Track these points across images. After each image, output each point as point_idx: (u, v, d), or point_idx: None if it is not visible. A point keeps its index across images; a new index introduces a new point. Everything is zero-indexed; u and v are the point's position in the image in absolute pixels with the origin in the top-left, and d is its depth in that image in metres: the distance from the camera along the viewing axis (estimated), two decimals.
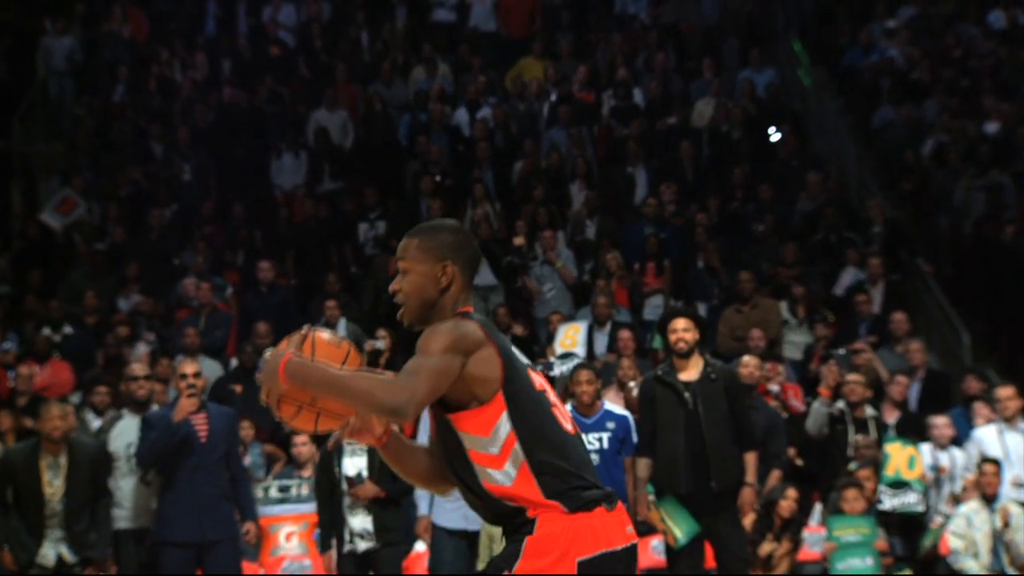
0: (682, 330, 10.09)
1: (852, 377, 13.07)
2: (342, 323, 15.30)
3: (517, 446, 4.49)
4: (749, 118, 19.21)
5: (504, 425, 4.50)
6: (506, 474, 4.50)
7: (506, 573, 4.44)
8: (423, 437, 9.79)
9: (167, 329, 16.24)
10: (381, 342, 14.81)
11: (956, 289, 16.82)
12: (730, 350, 14.82)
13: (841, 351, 14.51)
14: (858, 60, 20.72)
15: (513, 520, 4.52)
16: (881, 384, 13.78)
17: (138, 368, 12.47)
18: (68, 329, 16.17)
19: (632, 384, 12.19)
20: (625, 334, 14.13)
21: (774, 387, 13.55)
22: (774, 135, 19.00)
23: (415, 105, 20.19)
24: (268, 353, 4.61)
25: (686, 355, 10.09)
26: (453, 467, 4.59)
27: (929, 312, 16.62)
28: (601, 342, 14.94)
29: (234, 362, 15.29)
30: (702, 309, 15.73)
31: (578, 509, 4.48)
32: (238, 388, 14.38)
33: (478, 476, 4.52)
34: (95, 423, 12.99)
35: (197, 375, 10.92)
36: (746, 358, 12.63)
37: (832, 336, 15.30)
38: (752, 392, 12.33)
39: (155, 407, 12.11)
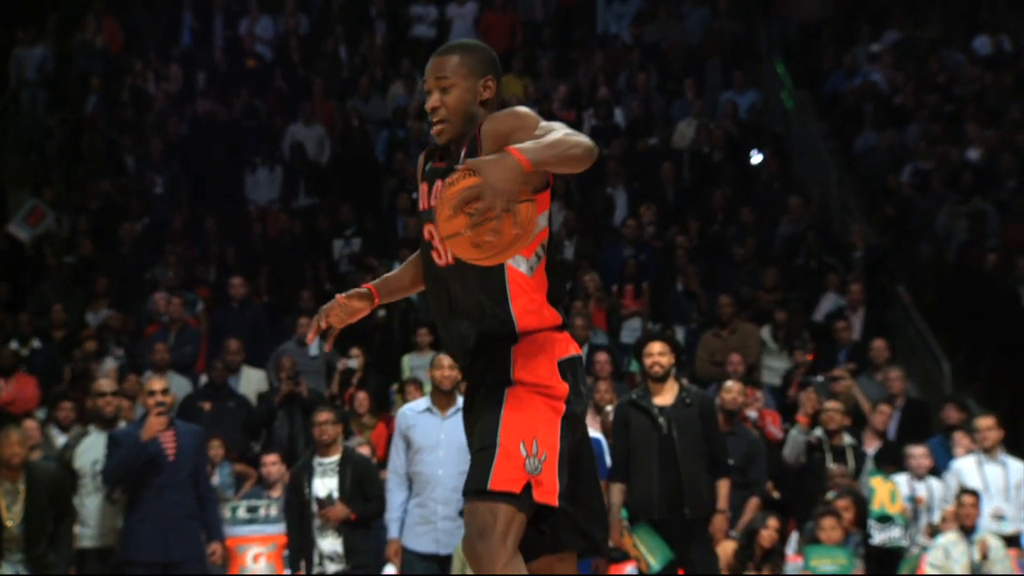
0: (657, 354, 10.00)
1: (830, 405, 12.90)
2: (315, 340, 15.10)
3: (544, 243, 4.82)
4: (731, 140, 19.10)
5: (541, 220, 4.76)
6: (529, 265, 4.80)
7: (508, 391, 4.76)
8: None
9: (136, 344, 16.02)
10: (354, 361, 14.66)
11: (937, 317, 16.71)
12: (709, 375, 14.70)
13: (820, 378, 14.35)
14: (841, 84, 20.65)
15: (501, 328, 4.79)
16: (860, 412, 13.65)
17: (105, 384, 12.25)
18: (36, 343, 15.95)
19: (609, 408, 12.02)
20: (602, 357, 13.95)
21: (752, 413, 13.39)
22: (755, 157, 18.87)
23: (393, 121, 20.03)
24: (476, 165, 4.45)
25: (661, 379, 10.01)
26: (480, 269, 4.70)
27: (909, 340, 16.52)
28: None
29: (204, 379, 15.09)
30: (681, 333, 15.61)
31: (560, 328, 4.89)
32: (207, 405, 14.19)
33: (503, 264, 4.73)
34: (60, 439, 12.77)
35: (165, 392, 10.76)
36: (729, 383, 12.47)
37: (811, 362, 15.15)
38: (735, 418, 12.20)
39: (122, 424, 11.91)
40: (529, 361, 4.80)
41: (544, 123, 4.71)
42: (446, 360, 10.16)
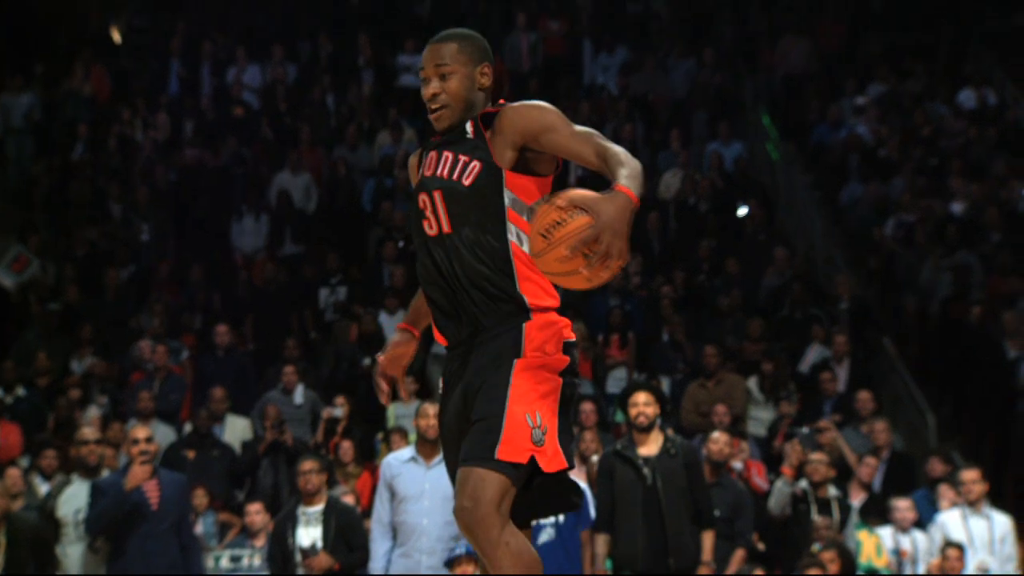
0: (643, 404, 10.02)
1: (816, 456, 12.88)
2: (300, 389, 15.09)
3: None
4: (716, 191, 19.15)
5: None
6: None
7: (516, 362, 4.79)
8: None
9: (120, 392, 15.97)
10: (339, 409, 14.62)
11: (922, 369, 16.72)
12: (694, 425, 14.69)
13: (805, 429, 14.34)
14: (827, 136, 20.72)
15: (507, 306, 4.86)
16: (845, 464, 13.64)
17: (89, 432, 12.25)
18: (20, 391, 15.89)
19: (594, 458, 12.01)
20: (587, 407, 13.92)
21: (737, 464, 13.36)
22: (741, 210, 18.91)
23: (380, 170, 20.04)
24: (595, 203, 4.53)
25: (646, 430, 10.02)
26: (479, 235, 4.85)
27: (895, 392, 16.51)
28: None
29: (188, 427, 15.04)
30: (666, 383, 15.61)
31: (560, 311, 4.97)
32: (191, 454, 14.14)
33: (507, 237, 4.86)
34: (43, 488, 12.72)
35: (149, 440, 10.75)
36: (716, 434, 12.45)
37: (796, 414, 15.14)
38: (721, 469, 12.18)
39: (106, 472, 11.88)
40: (539, 336, 4.85)
41: (572, 124, 4.87)
42: (431, 409, 10.15)
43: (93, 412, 15.09)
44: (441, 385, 5.10)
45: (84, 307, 17.76)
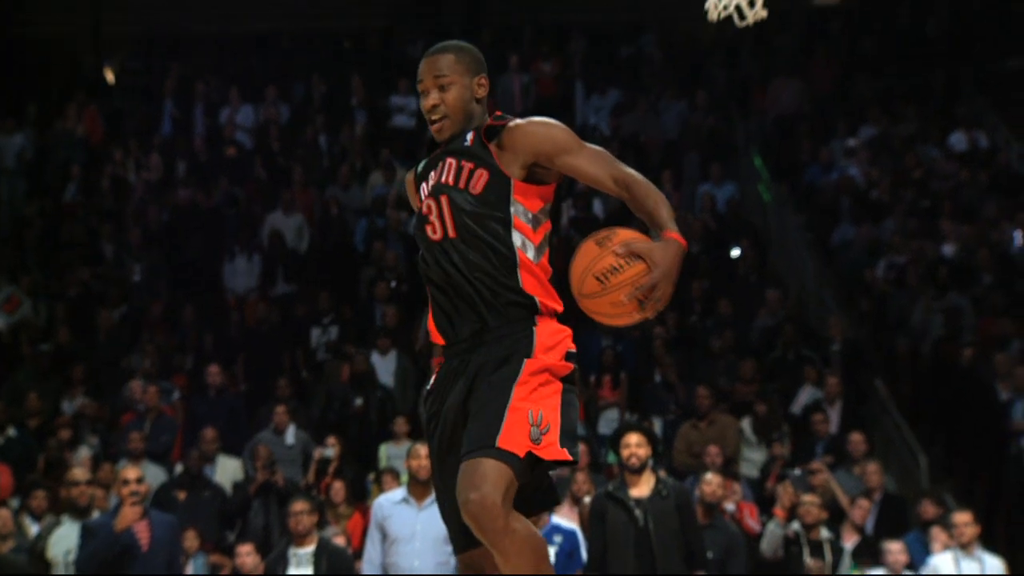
0: (635, 445, 10.01)
1: (808, 498, 12.86)
2: (291, 429, 15.05)
3: (548, 235, 5.02)
4: (709, 232, 19.15)
5: (545, 213, 5.02)
6: (538, 251, 4.97)
7: (526, 361, 4.84)
8: None
9: (111, 433, 15.93)
10: (330, 450, 14.58)
11: (914, 411, 16.71)
12: (686, 466, 14.66)
13: (797, 471, 14.31)
14: (818, 178, 20.76)
15: (516, 309, 4.93)
16: (838, 506, 13.61)
17: (79, 473, 12.22)
18: (11, 431, 15.84)
19: (586, 499, 11.98)
20: (579, 447, 13.89)
21: (730, 506, 13.34)
22: (734, 251, 18.92)
23: (372, 210, 20.04)
24: (646, 250, 4.77)
25: (638, 471, 10.00)
26: (485, 241, 4.93)
27: (887, 434, 16.49)
28: None
29: (179, 468, 15.00)
30: (658, 424, 15.58)
31: (563, 319, 5.06)
32: (182, 495, 14.08)
33: (514, 244, 4.93)
34: (33, 528, 12.67)
35: (140, 481, 10.70)
36: (709, 475, 12.43)
37: (788, 455, 15.12)
38: (714, 511, 12.15)
39: (96, 513, 11.84)
40: (548, 339, 4.93)
41: (583, 144, 5.03)
42: (423, 450, 10.13)
43: (84, 453, 15.05)
44: (432, 380, 5.12)
45: (75, 348, 17.74)
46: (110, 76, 25.19)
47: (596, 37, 25.26)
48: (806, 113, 22.64)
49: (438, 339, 5.11)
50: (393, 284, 18.03)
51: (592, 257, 4.83)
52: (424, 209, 5.08)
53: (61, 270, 19.41)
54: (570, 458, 4.86)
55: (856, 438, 14.85)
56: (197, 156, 21.82)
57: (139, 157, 21.69)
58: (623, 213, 19.81)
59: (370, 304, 18.12)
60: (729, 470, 14.33)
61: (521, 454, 4.72)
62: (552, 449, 4.81)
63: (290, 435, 15.01)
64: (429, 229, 5.06)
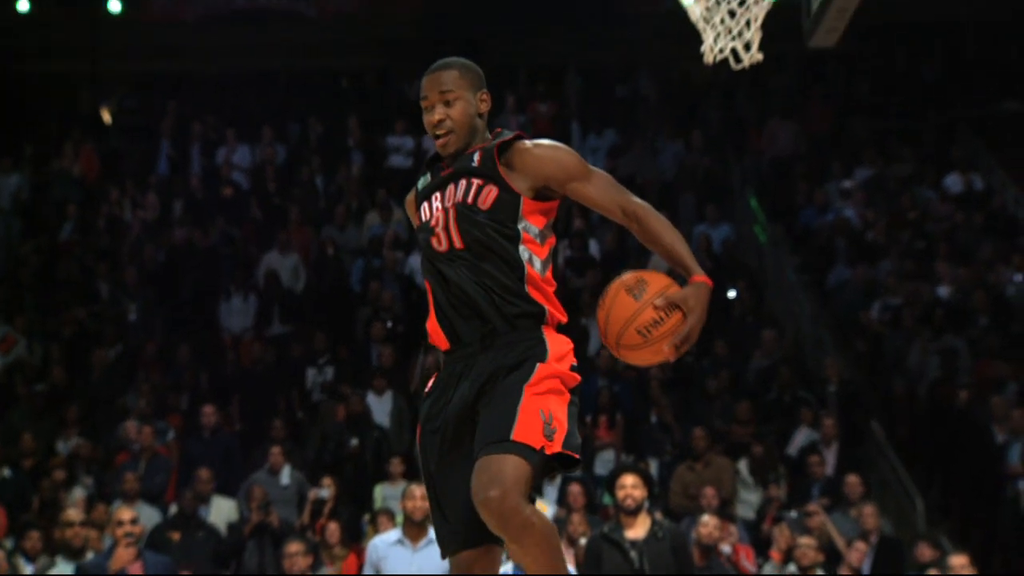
0: (630, 487, 9.99)
1: (804, 540, 12.84)
2: (286, 470, 15.00)
3: (553, 249, 5.12)
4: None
5: (550, 227, 5.11)
6: (544, 265, 5.05)
7: (539, 366, 4.94)
8: None
9: (105, 473, 15.88)
10: (325, 491, 14.54)
11: (910, 453, 16.68)
12: (682, 508, 14.62)
13: (793, 513, 14.28)
14: (814, 219, 20.78)
15: (525, 319, 5.01)
16: (834, 548, 13.58)
17: (73, 513, 12.19)
18: (6, 472, 15.81)
19: (582, 541, 11.94)
20: (575, 488, 13.85)
21: (726, 548, 13.29)
22: (730, 292, 18.91)
23: (369, 250, 20.04)
24: (678, 297, 4.96)
25: (634, 512, 9.99)
26: (496, 255, 4.99)
27: (883, 475, 16.45)
28: (551, 496, 14.68)
29: (173, 508, 14.95)
30: (654, 465, 15.54)
31: (561, 330, 5.14)
32: (176, 535, 14.03)
33: (522, 258, 5.00)
34: (28, 569, 12.62)
35: (134, 522, 10.70)
36: (705, 517, 12.41)
37: (784, 497, 15.09)
38: (711, 553, 12.12)
39: (90, 554, 11.80)
40: (559, 348, 5.04)
41: (592, 170, 5.14)
42: (418, 491, 10.12)
43: (78, 493, 15.01)
44: (430, 384, 5.16)
45: (70, 387, 17.70)
46: (107, 116, 25.23)
47: (592, 78, 25.35)
48: (802, 155, 22.68)
49: (440, 343, 5.14)
50: (389, 324, 18.01)
51: (633, 311, 4.98)
52: (432, 222, 5.13)
53: (56, 309, 19.38)
54: (578, 457, 5.00)
55: (852, 480, 14.82)
56: (193, 195, 21.82)
57: (135, 196, 21.70)
58: (619, 253, 19.86)
59: (366, 344, 18.10)
60: (725, 512, 14.29)
61: (537, 447, 4.81)
62: (562, 447, 4.94)
63: (285, 476, 14.97)
64: (435, 241, 5.11)
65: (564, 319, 5.15)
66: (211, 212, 21.12)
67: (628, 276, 5.09)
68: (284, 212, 20.95)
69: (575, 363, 5.11)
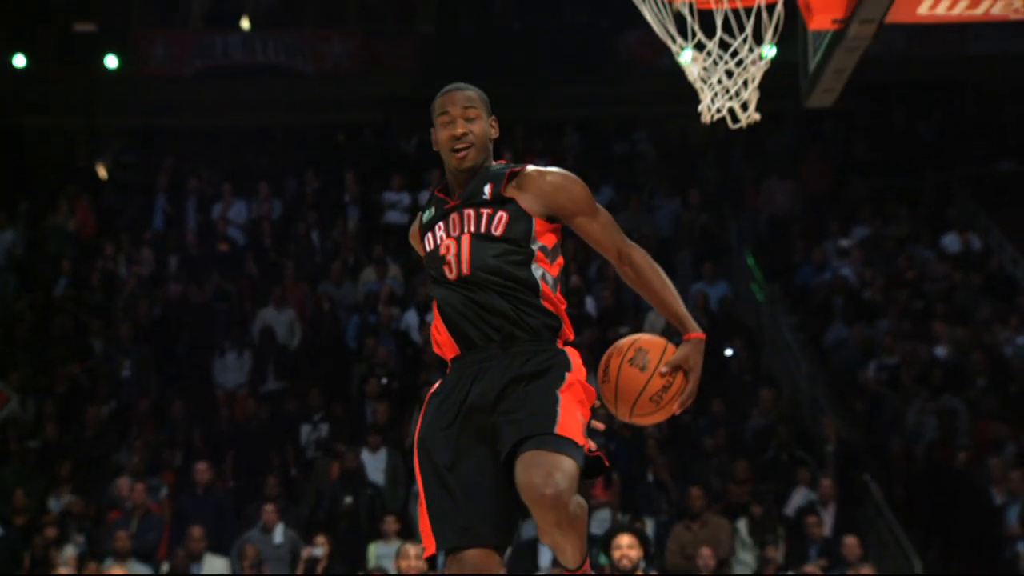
0: (626, 547, 9.97)
1: None
2: (280, 527, 14.92)
3: (562, 269, 5.26)
4: (702, 331, 19.04)
5: (559, 247, 5.25)
6: (556, 282, 5.19)
7: (567, 374, 5.06)
8: None
9: (97, 531, 15.77)
10: (319, 549, 14.47)
11: (908, 514, 16.60)
12: (679, 568, 14.52)
13: (791, 574, 14.18)
14: (811, 278, 20.76)
15: (544, 329, 5.14)
16: None
17: (65, 572, 12.08)
18: None
19: None
20: None
21: None
22: (727, 350, 18.86)
23: (364, 307, 19.99)
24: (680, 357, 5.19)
25: (630, 573, 9.91)
26: (510, 276, 5.11)
27: (881, 537, 16.37)
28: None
29: (165, 566, 14.84)
30: (651, 524, 15.46)
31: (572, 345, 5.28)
32: None
33: (536, 276, 5.14)
34: None
35: None
36: None
37: (782, 558, 14.99)
38: None
39: None
40: (576, 362, 5.18)
41: (598, 208, 5.28)
42: (412, 550, 10.05)
43: (69, 552, 14.90)
44: (435, 387, 5.25)
45: (63, 444, 17.60)
46: (102, 171, 25.23)
47: (590, 134, 25.38)
48: (799, 213, 22.70)
49: (448, 350, 5.25)
50: (384, 381, 17.94)
51: (642, 382, 5.17)
52: (442, 250, 5.24)
53: (50, 365, 19.29)
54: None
55: (850, 541, 14.75)
56: (189, 251, 21.78)
57: (131, 251, 21.64)
58: (616, 310, 19.81)
59: (361, 401, 18.03)
60: (722, 572, 14.20)
61: (581, 441, 4.96)
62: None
63: (278, 534, 14.88)
64: (446, 269, 5.22)
65: (572, 337, 5.28)
66: (206, 267, 21.06)
67: (625, 345, 5.23)
68: (280, 268, 20.91)
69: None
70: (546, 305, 5.17)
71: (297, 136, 25.77)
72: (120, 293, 20.71)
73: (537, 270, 5.16)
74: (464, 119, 5.30)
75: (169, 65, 25.87)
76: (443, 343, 5.24)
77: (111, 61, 24.72)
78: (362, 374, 18.57)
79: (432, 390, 5.27)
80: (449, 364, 5.27)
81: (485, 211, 5.20)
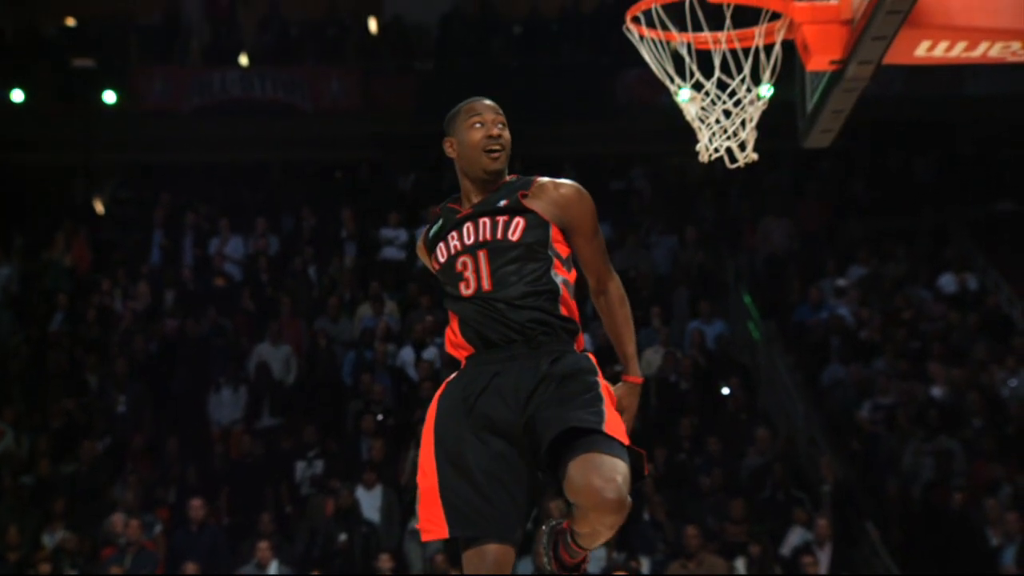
0: None
1: None
2: (274, 565, 14.88)
3: (576, 280, 5.34)
4: (698, 369, 19.06)
5: (572, 259, 5.36)
6: (572, 290, 5.29)
7: (598, 377, 5.21)
8: None
9: (91, 567, 15.71)
10: None
11: (905, 555, 16.55)
12: None
13: None
14: (808, 317, 20.73)
15: (564, 332, 5.24)
16: None
17: None
18: None
19: None
20: None
21: None
22: (723, 389, 18.83)
23: (360, 343, 19.94)
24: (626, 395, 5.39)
25: None
26: (530, 282, 5.18)
27: None
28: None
29: None
30: (646, 563, 15.41)
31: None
32: None
33: (557, 282, 5.22)
34: None
35: None
36: None
37: None
38: None
39: None
40: (599, 369, 5.29)
41: (599, 231, 5.43)
42: None
43: None
44: (454, 376, 5.28)
45: (57, 479, 17.54)
46: (99, 206, 25.23)
47: (586, 171, 25.34)
48: (796, 252, 22.69)
49: (463, 350, 5.28)
50: (380, 417, 17.89)
51: None
52: (458, 267, 5.26)
53: (45, 401, 19.22)
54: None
55: None
56: (185, 286, 21.73)
57: (127, 287, 21.60)
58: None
59: (356, 438, 17.98)
60: None
61: (626, 441, 5.12)
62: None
63: (273, 570, 14.85)
64: (462, 286, 5.24)
65: (584, 346, 5.36)
66: (203, 303, 21.01)
67: None
68: (276, 303, 20.86)
69: None
70: (564, 311, 5.25)
71: (294, 172, 25.77)
72: (116, 328, 20.64)
73: (557, 276, 5.25)
74: (498, 124, 5.43)
75: (167, 101, 25.88)
76: (459, 344, 5.29)
77: (109, 96, 24.73)
78: (358, 410, 18.52)
79: (448, 380, 5.30)
80: (463, 361, 5.30)
81: (501, 218, 5.26)
